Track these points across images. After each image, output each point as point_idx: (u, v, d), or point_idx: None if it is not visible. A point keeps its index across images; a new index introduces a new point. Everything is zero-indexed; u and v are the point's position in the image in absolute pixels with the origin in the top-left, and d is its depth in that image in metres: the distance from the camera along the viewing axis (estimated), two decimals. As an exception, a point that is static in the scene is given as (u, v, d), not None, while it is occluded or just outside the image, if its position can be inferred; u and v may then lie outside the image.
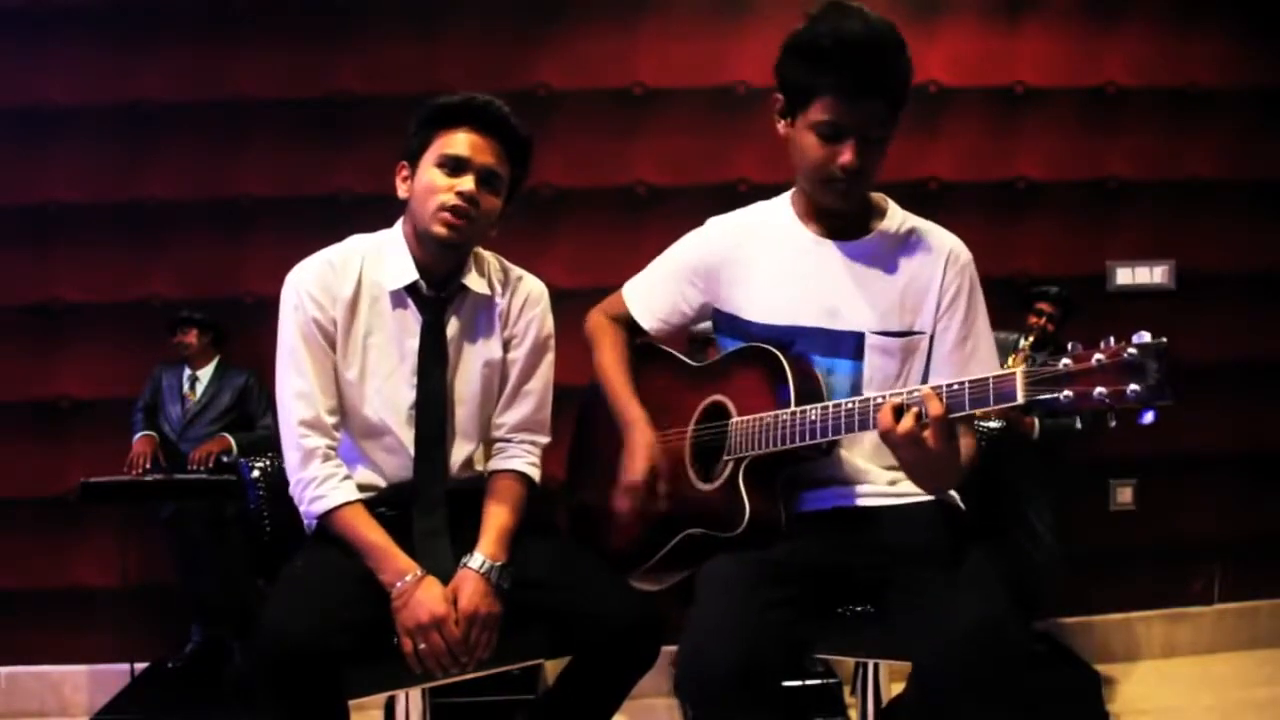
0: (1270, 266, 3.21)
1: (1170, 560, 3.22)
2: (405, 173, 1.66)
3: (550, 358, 1.78)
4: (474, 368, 1.71)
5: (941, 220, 1.64)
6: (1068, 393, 1.19)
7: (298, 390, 1.61)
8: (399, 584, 1.51)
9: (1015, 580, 1.46)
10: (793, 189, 1.66)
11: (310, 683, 1.41)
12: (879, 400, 1.36)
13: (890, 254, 1.58)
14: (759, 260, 1.62)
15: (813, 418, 1.43)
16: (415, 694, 1.68)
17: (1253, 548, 3.23)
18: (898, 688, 1.50)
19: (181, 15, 3.02)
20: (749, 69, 3.02)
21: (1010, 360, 2.53)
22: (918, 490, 1.51)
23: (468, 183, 1.59)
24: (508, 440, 1.75)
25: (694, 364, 1.73)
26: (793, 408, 1.46)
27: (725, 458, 1.55)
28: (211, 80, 3.02)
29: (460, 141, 1.60)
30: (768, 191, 1.70)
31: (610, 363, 1.74)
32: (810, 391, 1.49)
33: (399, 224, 1.70)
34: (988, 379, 1.27)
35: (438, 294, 1.67)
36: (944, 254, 1.57)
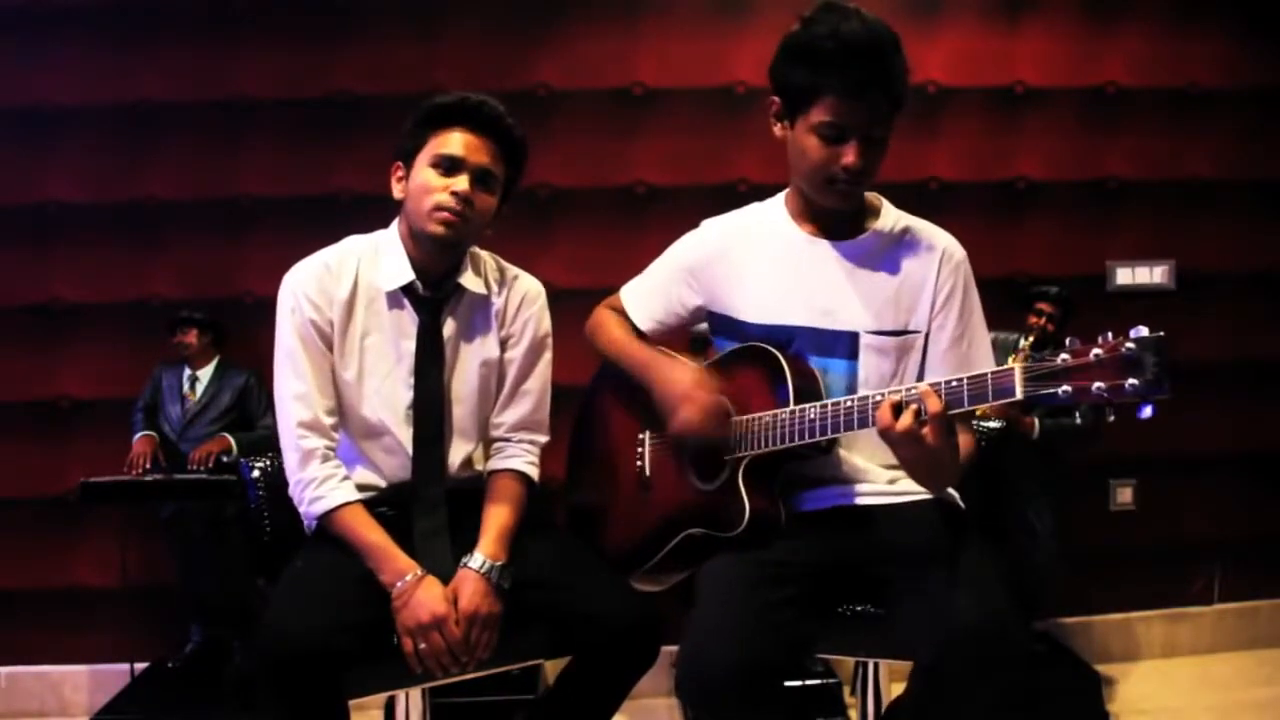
0: (1270, 266, 3.21)
1: (1170, 560, 3.21)
2: (400, 173, 1.66)
3: (548, 357, 1.78)
4: (471, 367, 1.71)
5: (941, 220, 1.63)
6: (1066, 387, 1.19)
7: (296, 392, 1.61)
8: (399, 584, 1.51)
9: (1015, 580, 1.46)
10: (786, 189, 1.65)
11: (311, 683, 1.42)
12: (878, 398, 1.36)
13: (884, 253, 1.58)
14: (753, 261, 1.62)
15: (812, 416, 1.44)
16: (415, 694, 1.68)
17: (1253, 548, 3.23)
18: (898, 688, 1.50)
19: (181, 15, 3.02)
20: (748, 69, 3.02)
21: (1010, 360, 2.52)
22: (917, 489, 1.51)
23: (462, 182, 1.59)
24: (507, 440, 1.75)
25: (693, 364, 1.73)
26: (792, 407, 1.46)
27: (725, 457, 1.55)
28: (212, 80, 3.01)
29: (455, 141, 1.60)
30: (767, 191, 1.70)
31: (620, 336, 1.74)
32: (809, 390, 1.49)
33: (394, 224, 1.70)
34: (986, 375, 1.28)
35: (434, 294, 1.67)
36: (938, 252, 1.57)
